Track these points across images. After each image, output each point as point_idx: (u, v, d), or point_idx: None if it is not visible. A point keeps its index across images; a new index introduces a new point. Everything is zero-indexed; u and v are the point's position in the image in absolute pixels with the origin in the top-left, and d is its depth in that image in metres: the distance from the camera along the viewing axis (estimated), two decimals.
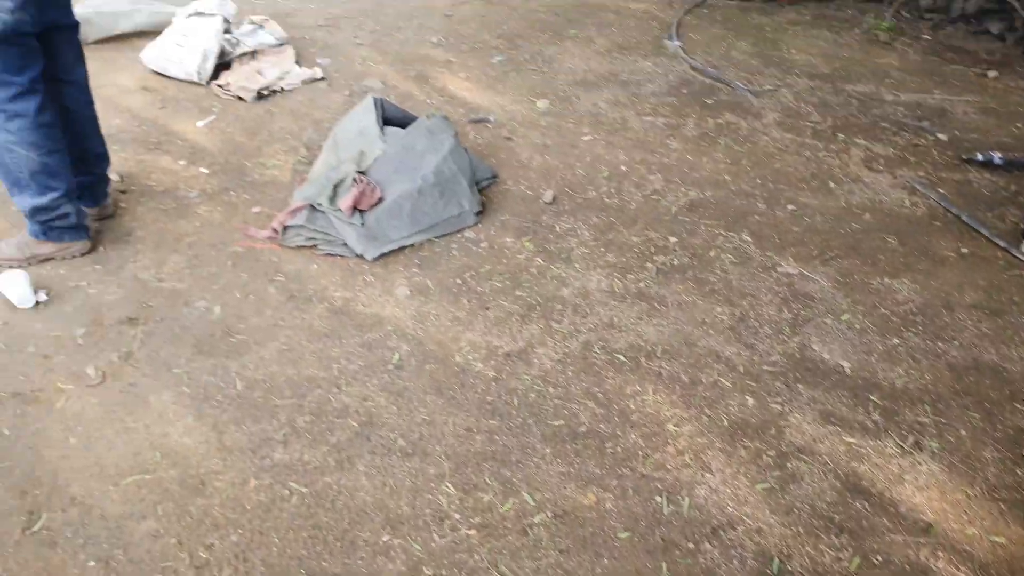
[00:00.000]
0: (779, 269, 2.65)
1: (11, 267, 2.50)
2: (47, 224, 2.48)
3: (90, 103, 2.62)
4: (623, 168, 3.24)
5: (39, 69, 2.30)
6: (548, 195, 3.02)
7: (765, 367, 2.25)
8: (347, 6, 5.03)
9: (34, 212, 2.44)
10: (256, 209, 2.90)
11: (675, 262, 2.68)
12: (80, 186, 2.61)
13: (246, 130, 3.46)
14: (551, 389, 2.15)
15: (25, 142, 2.30)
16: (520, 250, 2.72)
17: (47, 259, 2.56)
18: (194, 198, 2.95)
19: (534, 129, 3.55)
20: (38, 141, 2.33)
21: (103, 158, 2.73)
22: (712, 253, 2.73)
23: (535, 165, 3.26)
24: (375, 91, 3.89)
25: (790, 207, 3.00)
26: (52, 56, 2.39)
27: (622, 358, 2.26)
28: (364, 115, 3.09)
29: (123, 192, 2.95)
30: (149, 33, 4.34)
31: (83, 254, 2.61)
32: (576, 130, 3.54)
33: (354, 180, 2.78)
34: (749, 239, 2.80)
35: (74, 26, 2.48)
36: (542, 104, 3.77)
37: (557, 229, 2.84)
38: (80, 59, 2.55)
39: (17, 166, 2.35)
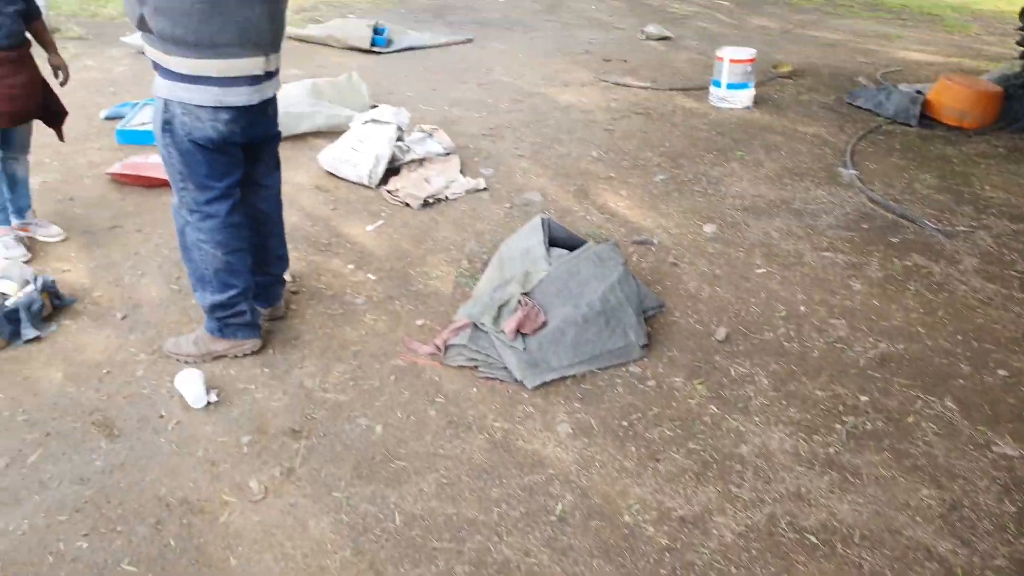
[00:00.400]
0: (995, 449, 2.32)
1: (187, 364, 2.58)
2: (223, 321, 2.56)
3: (279, 207, 2.74)
4: (802, 308, 3.01)
5: (238, 176, 2.45)
6: (720, 332, 2.84)
7: (989, 573, 1.92)
8: (509, 116, 5.17)
9: (213, 308, 2.53)
10: (420, 322, 2.89)
11: (868, 426, 2.40)
12: (258, 286, 2.70)
13: (412, 237, 3.52)
14: (733, 569, 1.91)
15: (213, 241, 2.42)
16: (691, 393, 2.54)
17: (220, 356, 2.62)
18: (360, 305, 2.99)
19: (701, 256, 3.40)
20: (224, 240, 2.43)
21: (283, 260, 2.82)
22: (911, 420, 2.43)
23: (704, 296, 3.09)
24: (535, 204, 3.90)
25: (1001, 372, 2.66)
26: (254, 162, 2.54)
27: (814, 539, 2.00)
28: (530, 235, 3.06)
29: (294, 293, 3.03)
30: (326, 133, 4.62)
31: (254, 352, 2.66)
32: (747, 260, 3.37)
33: (519, 302, 2.72)
34: (954, 407, 2.49)
35: (277, 136, 2.62)
36: (709, 229, 3.64)
37: (732, 373, 2.64)
38: (277, 166, 2.69)
39: (204, 263, 2.46)
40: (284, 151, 4.38)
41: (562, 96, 5.64)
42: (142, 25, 2.18)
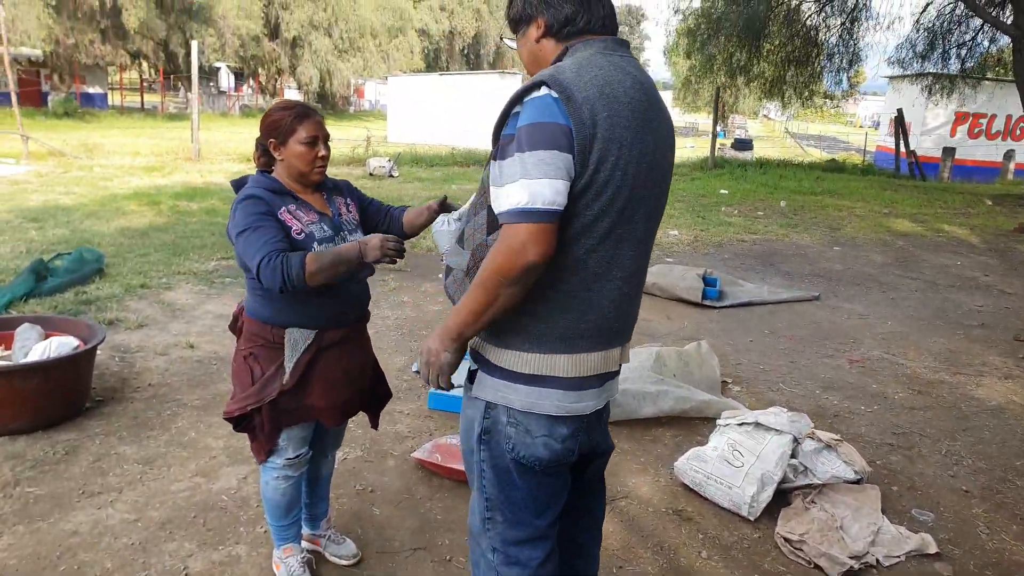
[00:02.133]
0: None
1: None
2: None
3: (600, 534, 1.99)
4: None
5: (560, 508, 1.80)
6: None
7: None
8: (914, 415, 3.77)
9: None
10: None
11: None
12: None
13: None
14: None
15: None
16: None
17: None
18: None
19: None
20: None
21: None
22: None
23: None
24: None
25: None
26: (577, 482, 1.86)
27: None
28: None
29: None
30: (675, 422, 3.58)
31: None
32: None
33: None
34: None
35: (610, 450, 1.90)
36: None
37: None
38: (603, 487, 1.98)
39: None
40: (621, 443, 3.40)
41: (980, 390, 4.13)
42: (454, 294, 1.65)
